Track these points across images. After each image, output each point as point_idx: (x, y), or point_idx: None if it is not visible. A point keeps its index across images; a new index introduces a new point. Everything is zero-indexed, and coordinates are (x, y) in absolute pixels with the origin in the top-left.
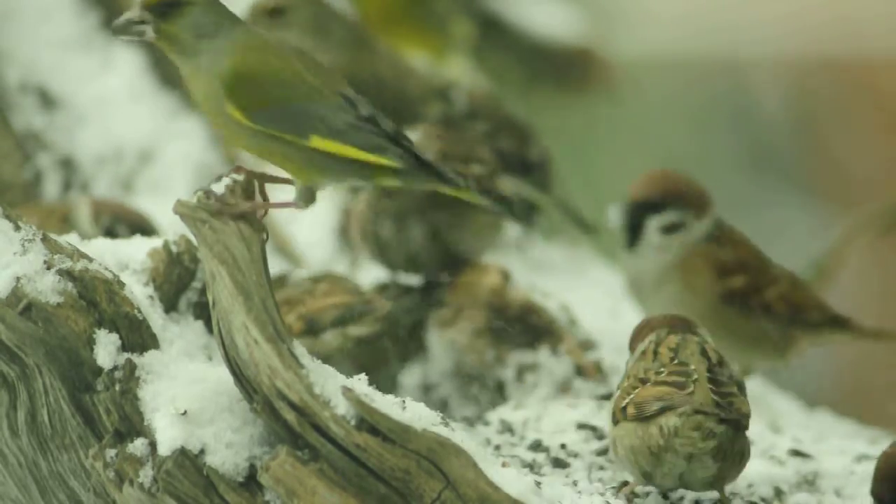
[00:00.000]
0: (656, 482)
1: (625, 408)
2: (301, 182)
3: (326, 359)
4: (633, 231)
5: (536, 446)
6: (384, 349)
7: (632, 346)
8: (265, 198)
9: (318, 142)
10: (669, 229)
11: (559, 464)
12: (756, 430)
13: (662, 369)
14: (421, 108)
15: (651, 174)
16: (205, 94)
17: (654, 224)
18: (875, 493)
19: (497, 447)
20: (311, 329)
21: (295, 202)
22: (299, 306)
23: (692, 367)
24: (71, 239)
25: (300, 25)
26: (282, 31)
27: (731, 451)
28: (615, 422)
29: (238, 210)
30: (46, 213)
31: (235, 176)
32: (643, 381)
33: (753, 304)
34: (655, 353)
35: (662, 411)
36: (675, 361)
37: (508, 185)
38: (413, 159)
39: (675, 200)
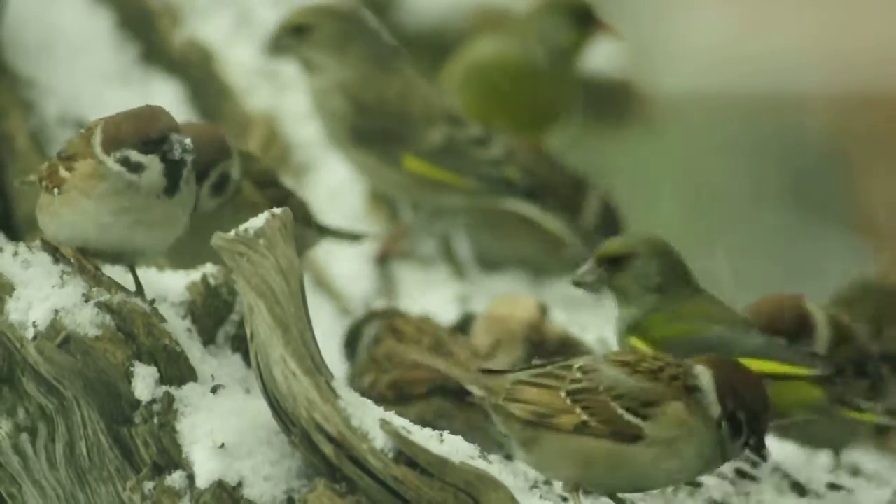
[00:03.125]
0: None
1: None
2: None
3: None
4: None
5: None
6: None
7: None
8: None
9: None
10: None
11: (597, 498)
12: (794, 464)
13: None
14: (424, 131)
15: None
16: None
17: None
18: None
19: (535, 481)
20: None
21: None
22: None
23: None
24: (109, 271)
25: (321, 43)
26: (304, 48)
27: None
28: None
29: None
30: None
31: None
32: None
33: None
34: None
35: None
36: None
37: (518, 208)
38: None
39: None
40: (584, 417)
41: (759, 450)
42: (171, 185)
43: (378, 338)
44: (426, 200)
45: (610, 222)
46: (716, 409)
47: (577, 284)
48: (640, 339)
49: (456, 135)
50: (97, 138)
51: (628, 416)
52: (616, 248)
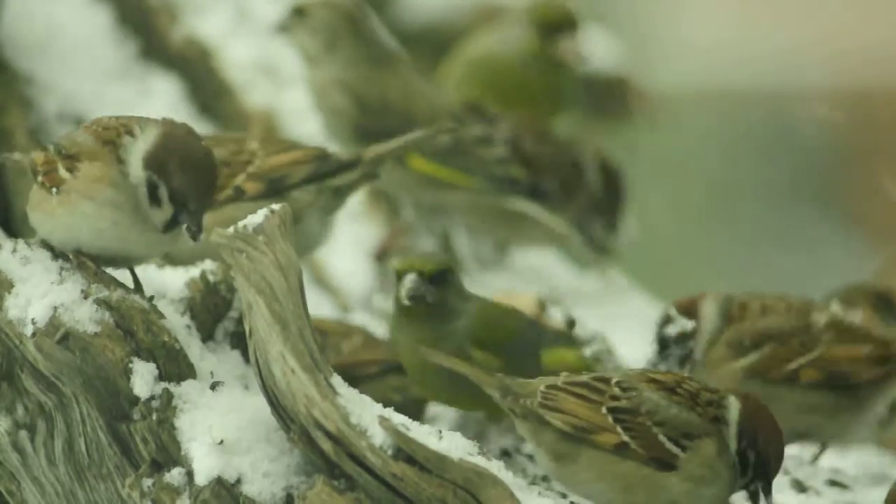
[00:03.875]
0: None
1: None
2: None
3: None
4: None
5: None
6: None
7: None
8: None
9: None
10: None
11: None
12: (793, 460)
13: None
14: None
15: None
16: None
17: None
18: None
19: (534, 478)
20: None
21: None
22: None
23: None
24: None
25: (313, 30)
26: (299, 31)
27: None
28: None
29: None
30: None
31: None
32: None
33: None
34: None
35: None
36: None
37: (523, 207)
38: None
39: None
40: (625, 438)
41: (755, 499)
42: (168, 228)
43: None
44: (430, 199)
45: (612, 186)
46: (734, 444)
47: (414, 301)
48: (482, 350)
49: (462, 134)
50: (139, 146)
51: (669, 445)
52: (436, 264)
